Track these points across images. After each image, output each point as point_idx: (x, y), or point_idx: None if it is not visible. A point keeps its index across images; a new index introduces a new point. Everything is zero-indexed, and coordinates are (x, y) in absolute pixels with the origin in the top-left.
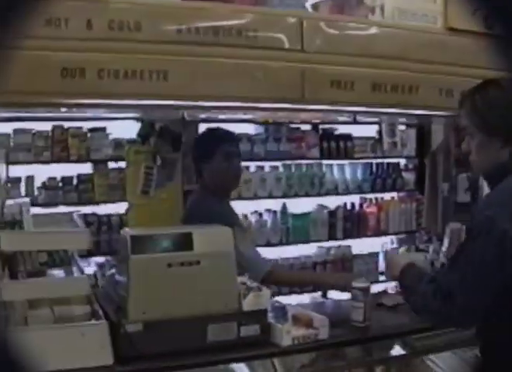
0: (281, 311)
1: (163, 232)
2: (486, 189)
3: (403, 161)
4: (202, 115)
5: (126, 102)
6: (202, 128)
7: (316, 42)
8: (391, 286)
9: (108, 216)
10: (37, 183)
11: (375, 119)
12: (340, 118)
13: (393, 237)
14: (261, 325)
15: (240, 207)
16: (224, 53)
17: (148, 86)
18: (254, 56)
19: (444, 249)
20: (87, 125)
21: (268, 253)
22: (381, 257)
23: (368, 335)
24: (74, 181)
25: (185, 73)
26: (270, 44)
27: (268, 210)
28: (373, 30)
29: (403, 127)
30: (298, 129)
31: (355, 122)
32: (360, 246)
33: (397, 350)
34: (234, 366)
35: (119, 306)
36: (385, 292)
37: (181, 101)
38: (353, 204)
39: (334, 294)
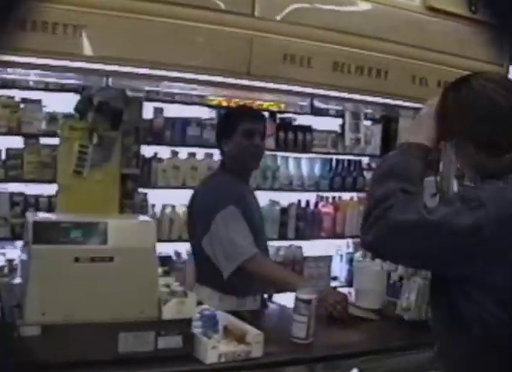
0: (211, 321)
1: (73, 219)
2: None
3: (365, 159)
4: (145, 92)
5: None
6: (147, 106)
7: (271, 7)
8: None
9: (37, 197)
10: None
11: (339, 108)
12: (301, 107)
13: (349, 240)
14: (184, 336)
15: (184, 196)
16: (158, 11)
17: (61, 42)
18: (195, 18)
19: None
20: (20, 95)
21: None
22: (334, 261)
23: (310, 355)
24: (2, 156)
25: (105, 29)
26: (214, 5)
27: None
28: (341, 2)
29: (368, 122)
30: None
31: (316, 112)
32: (312, 248)
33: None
34: None
35: (18, 304)
36: None
37: (98, 64)
38: (308, 203)
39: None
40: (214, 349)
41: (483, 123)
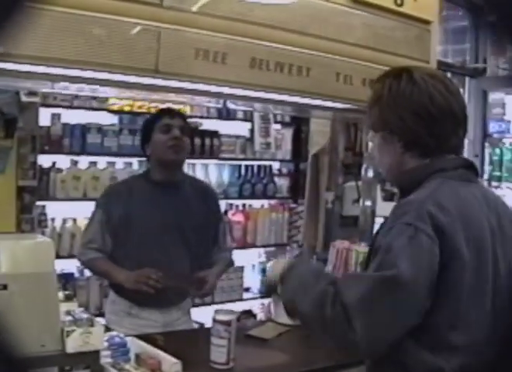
0: (121, 349)
1: None
2: (379, 201)
3: (276, 165)
4: (41, 97)
5: None
6: (44, 112)
7: None
8: (258, 304)
9: None
10: None
11: (249, 108)
12: (208, 111)
13: (261, 250)
14: (92, 370)
15: (86, 208)
16: None
17: None
18: (95, 7)
19: (328, 270)
20: None
21: None
22: (247, 272)
23: None
24: None
25: None
26: None
27: None
28: None
29: (278, 126)
30: None
31: (224, 116)
32: None
33: None
34: None
35: None
36: (251, 313)
37: None
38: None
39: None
40: None
41: (419, 120)
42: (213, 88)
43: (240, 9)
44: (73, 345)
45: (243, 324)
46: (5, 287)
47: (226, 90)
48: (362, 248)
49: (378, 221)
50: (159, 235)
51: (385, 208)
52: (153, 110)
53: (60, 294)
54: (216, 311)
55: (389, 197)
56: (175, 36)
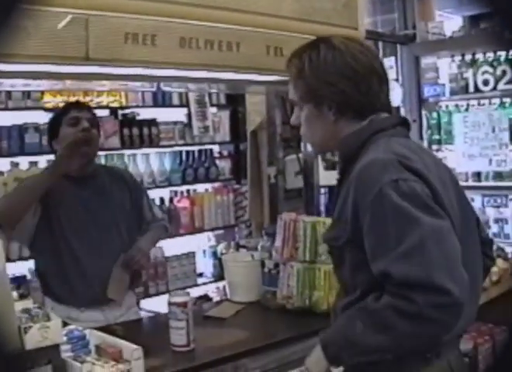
0: (81, 342)
1: None
2: (321, 171)
3: (216, 148)
4: None
5: None
6: None
7: None
8: (212, 288)
9: None
10: None
11: (182, 90)
12: (144, 100)
13: (210, 234)
14: (54, 365)
15: None
16: None
17: None
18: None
19: (277, 244)
20: None
21: None
22: (198, 257)
23: (195, 363)
24: None
25: None
26: None
27: None
28: None
29: (214, 109)
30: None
31: (159, 104)
32: (173, 246)
33: None
34: None
35: None
36: (207, 298)
37: None
38: (162, 200)
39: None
40: None
41: (346, 81)
42: (145, 71)
43: None
44: (31, 341)
45: (200, 307)
46: None
47: (158, 72)
48: (309, 218)
49: (322, 191)
50: (88, 230)
51: (327, 178)
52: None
53: (15, 294)
54: (171, 294)
55: (330, 166)
56: (103, 22)
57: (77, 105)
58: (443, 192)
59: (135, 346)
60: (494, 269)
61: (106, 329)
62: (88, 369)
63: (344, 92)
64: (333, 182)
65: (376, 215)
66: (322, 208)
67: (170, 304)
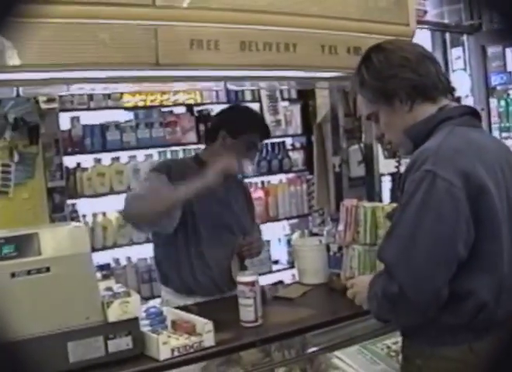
0: (158, 317)
1: (3, 235)
2: (381, 159)
3: (288, 140)
4: (59, 102)
5: None
6: (63, 117)
7: None
8: (287, 275)
9: None
10: None
11: (254, 87)
12: (217, 96)
13: (285, 223)
14: (133, 336)
15: (114, 202)
16: (60, 12)
17: None
18: (97, 15)
19: (340, 229)
20: None
21: (146, 250)
22: (273, 245)
23: (262, 337)
24: None
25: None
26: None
27: None
28: None
29: (285, 103)
30: (171, 112)
31: (232, 100)
32: None
33: (298, 349)
34: None
35: None
36: (281, 283)
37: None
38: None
39: None
40: (166, 344)
41: (404, 69)
42: (211, 73)
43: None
44: (114, 314)
45: (271, 290)
46: (48, 269)
47: (222, 73)
48: (369, 204)
49: (384, 178)
50: (217, 226)
51: (387, 166)
52: (165, 103)
53: (98, 275)
54: (240, 274)
55: (391, 155)
56: (170, 31)
57: (260, 129)
58: (498, 186)
59: (206, 321)
60: None
61: (182, 308)
62: (164, 340)
63: (405, 79)
64: (393, 170)
65: (403, 197)
66: (383, 195)
67: (239, 283)
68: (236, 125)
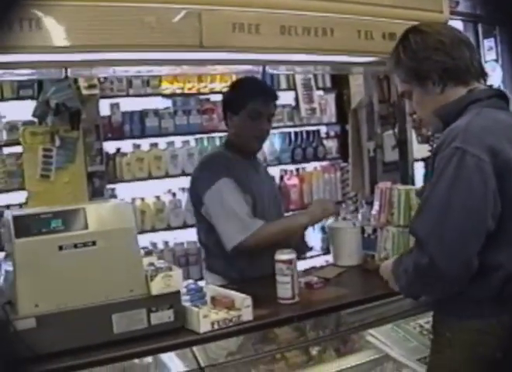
0: (198, 293)
1: (51, 209)
2: (415, 144)
3: (323, 128)
4: (99, 89)
5: None
6: (103, 103)
7: None
8: (322, 261)
9: (7, 207)
10: None
11: (290, 72)
12: None
13: None
14: (175, 310)
15: (152, 187)
16: None
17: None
18: None
19: (374, 212)
20: None
21: (183, 234)
22: (308, 231)
23: (299, 313)
24: None
25: (56, 17)
26: None
27: (182, 189)
28: None
29: (320, 92)
30: (208, 99)
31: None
32: None
33: (332, 329)
34: (149, 359)
35: (9, 301)
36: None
37: (52, 55)
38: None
39: None
40: (206, 318)
41: (438, 52)
42: (252, 56)
43: None
44: (157, 287)
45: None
46: (94, 243)
47: (262, 56)
48: (402, 186)
49: (416, 164)
50: (272, 205)
51: (421, 151)
52: (202, 91)
53: (141, 251)
54: (277, 253)
55: (425, 140)
56: (213, 14)
57: (266, 93)
58: None
59: (245, 296)
60: None
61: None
62: (204, 313)
63: (438, 62)
64: (426, 154)
65: (434, 171)
66: (416, 180)
67: (276, 261)
68: (232, 102)
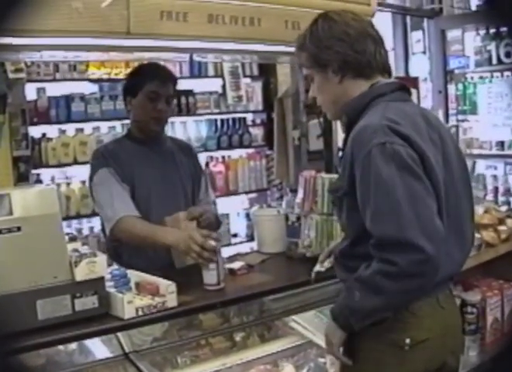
0: (123, 279)
1: None
2: (340, 134)
3: (249, 116)
4: (26, 73)
5: None
6: (30, 87)
7: None
8: (246, 248)
9: None
10: None
11: (218, 60)
12: (181, 71)
13: (244, 197)
14: (99, 296)
15: (77, 172)
16: None
17: None
18: None
19: (298, 200)
20: None
21: None
22: (232, 218)
23: (223, 299)
24: None
25: None
26: None
27: None
28: None
29: (247, 80)
30: None
31: (195, 75)
32: None
33: (256, 315)
34: (74, 345)
35: None
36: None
37: None
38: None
39: None
40: (130, 303)
41: (342, 43)
42: (179, 44)
43: None
44: (81, 273)
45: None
46: (19, 228)
47: (190, 44)
48: (327, 175)
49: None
50: (161, 192)
51: None
52: None
53: (66, 237)
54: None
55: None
56: (141, 1)
57: (163, 74)
58: (433, 153)
59: (169, 282)
60: (503, 228)
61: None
62: (128, 299)
63: (339, 53)
64: None
65: (364, 173)
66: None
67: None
68: (131, 87)
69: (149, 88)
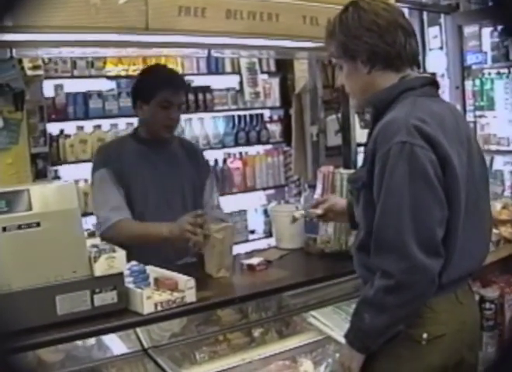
0: (142, 275)
1: None
2: (358, 129)
3: (267, 112)
4: (44, 70)
5: None
6: (47, 84)
7: None
8: (263, 244)
9: None
10: None
11: (235, 56)
12: (198, 68)
13: (261, 193)
14: (118, 291)
15: None
16: None
17: None
18: None
19: (316, 195)
20: None
21: None
22: (250, 215)
23: (241, 295)
24: None
25: None
26: None
27: None
28: None
29: (264, 76)
30: None
31: (213, 72)
32: (226, 204)
33: (274, 311)
34: (93, 340)
35: None
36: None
37: None
38: (216, 160)
39: None
40: (149, 299)
41: (371, 33)
42: (197, 39)
43: None
44: (100, 269)
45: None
46: (38, 224)
47: (208, 40)
48: (345, 170)
49: (359, 149)
50: (158, 193)
51: (363, 136)
52: None
53: (85, 232)
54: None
55: (368, 125)
56: None
57: (174, 83)
58: (458, 153)
59: (188, 277)
60: None
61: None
62: (148, 294)
63: (368, 43)
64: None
65: (381, 169)
66: (358, 164)
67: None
68: (142, 91)
69: (162, 97)
